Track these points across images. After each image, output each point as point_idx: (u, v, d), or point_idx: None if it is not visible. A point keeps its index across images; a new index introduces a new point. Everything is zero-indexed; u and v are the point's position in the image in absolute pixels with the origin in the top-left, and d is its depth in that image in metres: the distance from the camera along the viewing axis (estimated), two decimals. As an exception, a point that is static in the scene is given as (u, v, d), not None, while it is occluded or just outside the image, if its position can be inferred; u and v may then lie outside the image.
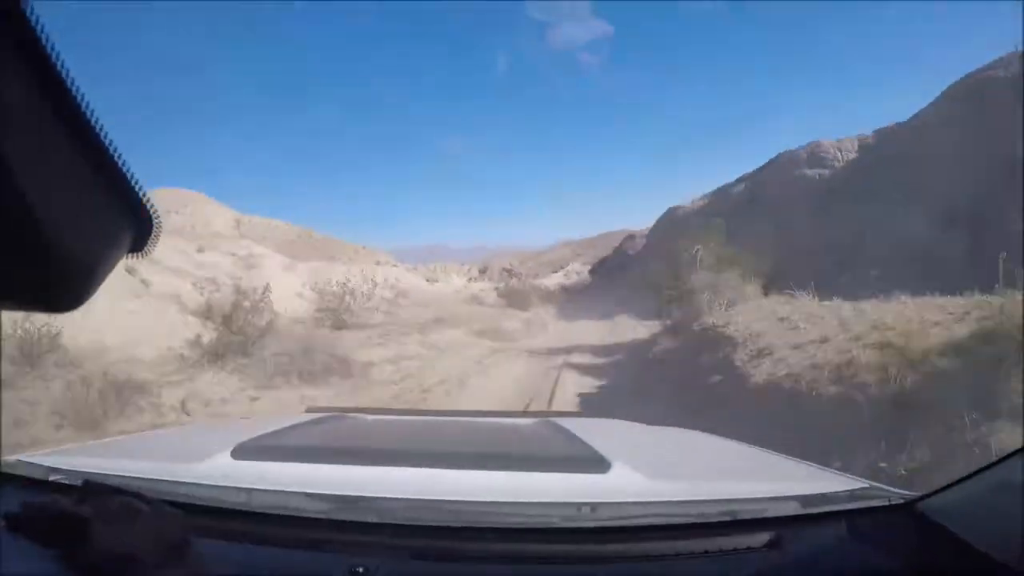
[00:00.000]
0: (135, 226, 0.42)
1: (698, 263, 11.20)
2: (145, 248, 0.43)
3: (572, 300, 24.18)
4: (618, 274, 26.59)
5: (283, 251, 24.86)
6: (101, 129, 0.36)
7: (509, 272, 36.56)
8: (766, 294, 9.03)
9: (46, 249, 0.34)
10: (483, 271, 39.86)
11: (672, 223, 23.86)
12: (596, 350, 10.57)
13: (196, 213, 34.05)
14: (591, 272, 33.50)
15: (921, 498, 0.78)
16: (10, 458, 0.92)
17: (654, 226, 28.67)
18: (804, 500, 0.82)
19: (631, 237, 33.58)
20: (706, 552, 0.72)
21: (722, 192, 23.82)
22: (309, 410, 1.96)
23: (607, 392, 7.03)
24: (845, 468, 2.17)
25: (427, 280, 29.99)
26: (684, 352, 7.37)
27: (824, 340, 4.89)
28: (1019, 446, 0.65)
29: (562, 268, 39.03)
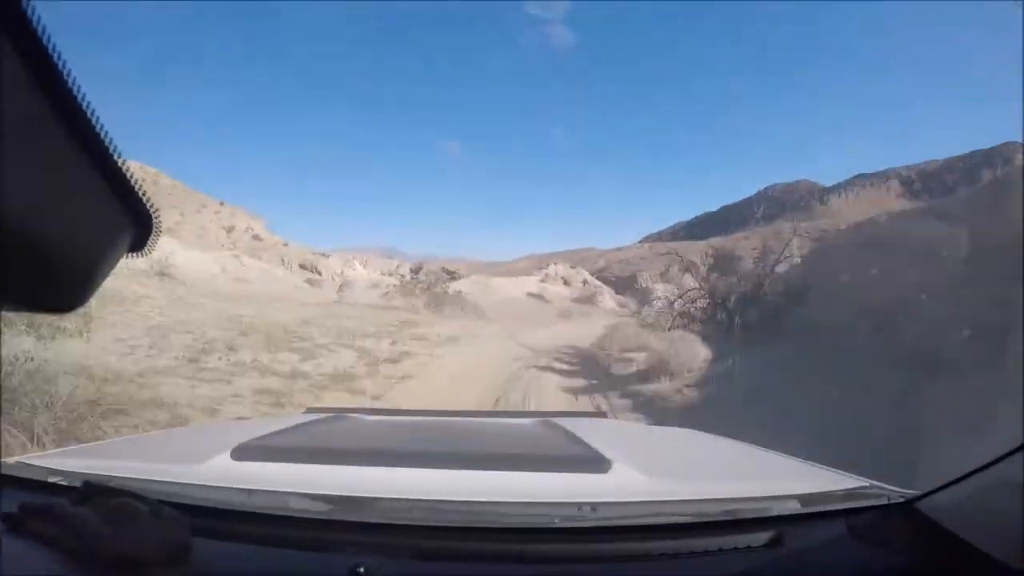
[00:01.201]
0: (134, 225, 0.42)
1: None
2: (145, 247, 0.43)
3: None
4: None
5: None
6: (101, 128, 0.36)
7: (449, 273, 27.82)
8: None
9: (46, 250, 0.34)
10: (416, 271, 31.48)
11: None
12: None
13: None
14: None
15: (920, 497, 0.78)
16: (9, 460, 0.92)
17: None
18: (804, 499, 0.82)
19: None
20: (706, 551, 0.72)
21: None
22: (309, 410, 1.96)
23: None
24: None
25: (302, 267, 22.70)
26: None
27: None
28: (1018, 444, 0.65)
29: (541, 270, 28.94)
